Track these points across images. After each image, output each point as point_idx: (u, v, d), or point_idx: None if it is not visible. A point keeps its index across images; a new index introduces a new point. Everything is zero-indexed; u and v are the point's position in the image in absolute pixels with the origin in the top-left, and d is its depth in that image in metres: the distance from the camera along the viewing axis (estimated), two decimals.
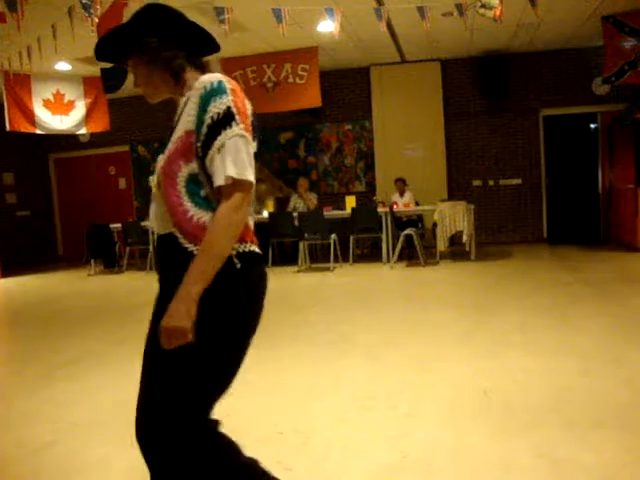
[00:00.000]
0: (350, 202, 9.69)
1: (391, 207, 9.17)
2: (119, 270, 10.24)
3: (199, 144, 1.57)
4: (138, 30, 1.69)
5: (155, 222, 1.71)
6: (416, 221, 9.71)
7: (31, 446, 3.02)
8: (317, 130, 11.38)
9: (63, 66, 9.27)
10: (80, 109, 9.75)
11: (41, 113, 9.28)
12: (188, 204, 1.58)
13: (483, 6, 6.62)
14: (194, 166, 1.59)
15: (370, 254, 10.36)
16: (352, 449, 2.77)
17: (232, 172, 1.52)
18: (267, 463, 1.76)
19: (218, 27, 6.24)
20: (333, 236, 9.00)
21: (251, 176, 1.56)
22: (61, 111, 9.55)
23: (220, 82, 1.58)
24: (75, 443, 3.05)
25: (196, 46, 1.75)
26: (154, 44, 1.68)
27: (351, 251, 9.40)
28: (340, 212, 9.67)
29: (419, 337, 4.74)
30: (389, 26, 8.32)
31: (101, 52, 1.79)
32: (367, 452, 2.73)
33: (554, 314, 5.17)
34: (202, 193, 1.59)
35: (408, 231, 8.89)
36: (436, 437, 2.84)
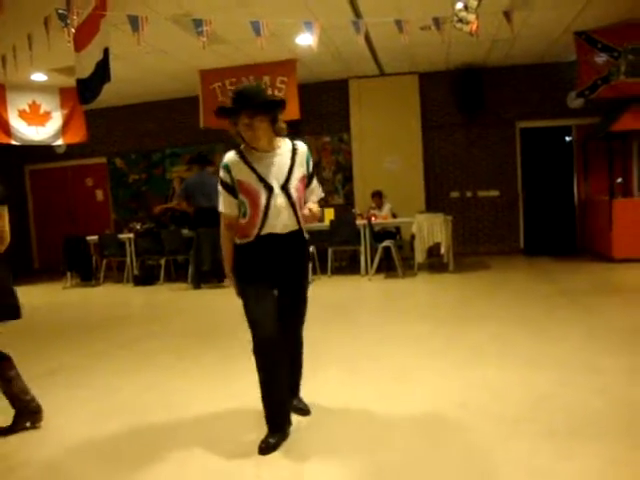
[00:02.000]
0: (329, 214, 9.69)
1: (369, 219, 9.20)
2: (96, 283, 10.11)
3: (307, 182, 3.07)
4: (272, 103, 2.95)
5: (282, 225, 2.93)
6: (394, 233, 9.73)
7: (7, 462, 2.95)
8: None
9: (39, 77, 9.18)
10: (56, 120, 9.66)
11: (16, 124, 9.16)
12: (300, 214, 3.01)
13: (460, 20, 6.69)
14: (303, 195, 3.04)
15: (349, 266, 10.36)
16: (327, 460, 2.75)
17: (321, 194, 3.20)
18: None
19: (196, 39, 6.23)
20: (311, 248, 8.99)
21: None
22: (37, 122, 9.45)
23: (309, 147, 3.13)
24: (47, 458, 2.99)
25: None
26: (279, 112, 2.95)
27: (330, 263, 9.39)
28: (318, 224, 9.66)
29: (397, 349, 4.73)
30: (367, 39, 8.38)
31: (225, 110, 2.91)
32: (343, 464, 2.71)
33: (531, 325, 5.21)
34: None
35: (386, 243, 8.91)
36: (413, 449, 2.83)
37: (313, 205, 3.03)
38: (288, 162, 2.97)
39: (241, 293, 2.99)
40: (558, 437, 2.81)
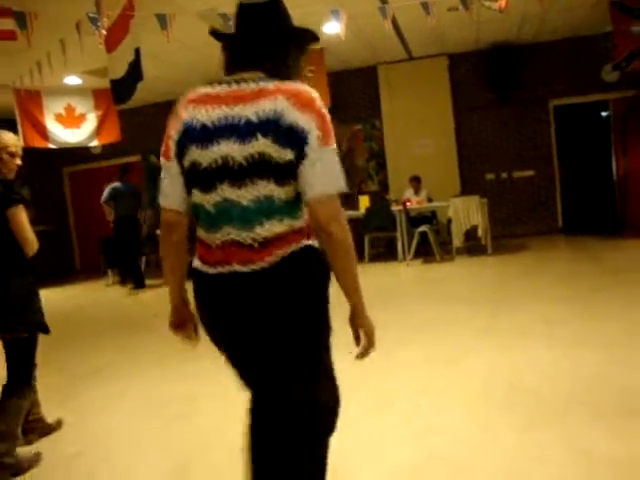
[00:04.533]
0: (364, 202, 9.68)
1: (404, 204, 9.14)
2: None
3: None
4: None
5: None
6: (430, 218, 9.66)
7: (64, 453, 3.05)
8: None
9: (73, 80, 9.34)
10: (91, 121, 9.81)
11: (53, 127, 9.35)
12: None
13: None
14: None
15: (385, 253, 10.33)
16: (376, 447, 2.76)
17: None
18: None
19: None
20: None
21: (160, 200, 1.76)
22: (73, 124, 9.61)
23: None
24: (102, 451, 3.07)
25: None
26: None
27: (366, 250, 9.38)
28: (354, 212, 9.65)
29: (440, 334, 4.72)
30: (394, 24, 8.30)
31: None
32: (392, 450, 2.72)
33: (576, 304, 5.13)
34: None
35: (423, 228, 8.86)
36: (463, 432, 2.83)
37: None
38: None
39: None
40: (610, 418, 2.77)
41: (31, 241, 2.99)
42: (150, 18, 6.06)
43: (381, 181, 11.30)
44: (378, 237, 10.07)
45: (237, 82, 1.63)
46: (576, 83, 10.34)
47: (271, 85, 1.59)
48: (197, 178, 1.63)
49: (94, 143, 10.22)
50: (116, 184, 9.44)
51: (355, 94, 11.22)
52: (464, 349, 4.20)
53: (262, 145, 1.54)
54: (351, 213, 9.61)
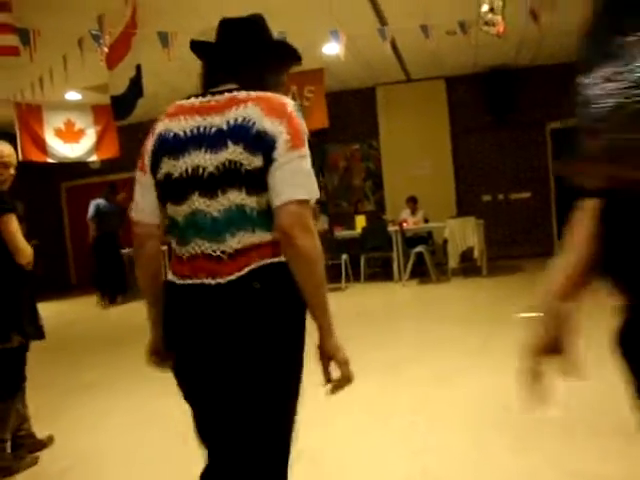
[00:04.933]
0: (360, 222, 9.71)
1: (400, 224, 9.18)
2: (131, 294, 10.25)
3: None
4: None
5: None
6: (426, 238, 9.69)
7: (53, 468, 3.04)
8: (325, 151, 11.45)
9: (73, 95, 9.41)
10: (90, 137, 9.87)
11: (53, 142, 9.40)
12: None
13: (486, 23, 6.67)
14: None
15: (381, 273, 10.34)
16: (372, 464, 2.76)
17: None
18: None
19: None
20: (344, 256, 9.01)
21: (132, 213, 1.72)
22: (72, 139, 9.67)
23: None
24: (91, 467, 3.06)
25: None
26: None
27: (362, 270, 9.39)
28: (350, 232, 9.68)
29: (434, 353, 4.72)
30: (393, 46, 8.40)
31: None
32: (387, 467, 2.71)
33: None
34: None
35: (419, 248, 8.89)
36: (458, 452, 2.82)
37: None
38: None
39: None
40: (603, 439, 2.78)
41: (22, 250, 2.98)
42: (152, 36, 6.14)
43: (377, 201, 11.36)
44: (374, 257, 10.09)
45: (212, 94, 1.62)
46: (573, 107, 10.42)
47: (243, 94, 1.57)
48: (169, 190, 1.59)
49: (93, 158, 10.27)
50: (99, 200, 9.71)
51: (353, 114, 11.31)
52: (459, 369, 4.20)
53: (232, 153, 1.50)
54: (347, 233, 9.66)
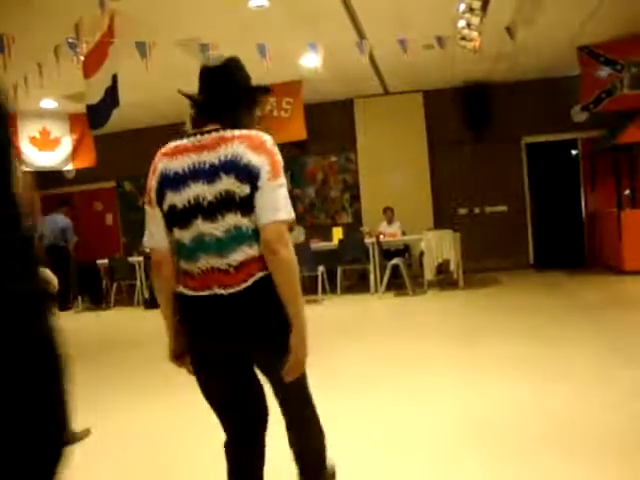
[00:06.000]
0: (337, 233, 9.73)
1: (377, 237, 9.21)
2: (106, 306, 10.14)
3: None
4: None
5: None
6: (403, 251, 9.73)
7: None
8: (302, 163, 11.46)
9: (49, 103, 9.30)
10: (66, 145, 9.77)
11: (27, 150, 9.28)
12: None
13: (463, 38, 6.77)
14: None
15: (358, 285, 10.35)
16: None
17: None
18: None
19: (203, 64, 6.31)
20: (321, 268, 9.01)
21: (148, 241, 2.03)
22: (47, 148, 9.56)
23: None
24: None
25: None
26: None
27: (339, 282, 9.39)
28: (327, 243, 9.69)
29: (409, 368, 4.71)
30: (371, 59, 8.47)
31: None
32: None
33: (543, 340, 5.18)
34: None
35: (395, 261, 8.91)
36: (431, 469, 2.82)
37: None
38: None
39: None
40: (582, 453, 2.78)
41: None
42: (129, 45, 6.10)
43: (355, 213, 11.39)
44: (351, 269, 10.10)
45: (202, 134, 1.90)
46: (547, 122, 10.61)
47: (229, 133, 1.87)
48: (175, 218, 1.89)
49: (69, 167, 10.17)
50: (51, 215, 10.09)
51: (331, 126, 11.33)
52: (433, 385, 4.20)
53: (226, 183, 1.82)
54: (324, 244, 9.65)
